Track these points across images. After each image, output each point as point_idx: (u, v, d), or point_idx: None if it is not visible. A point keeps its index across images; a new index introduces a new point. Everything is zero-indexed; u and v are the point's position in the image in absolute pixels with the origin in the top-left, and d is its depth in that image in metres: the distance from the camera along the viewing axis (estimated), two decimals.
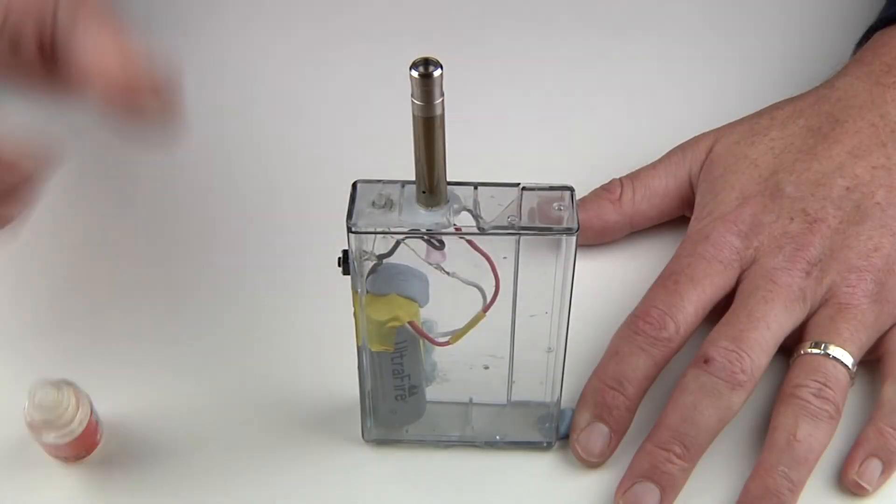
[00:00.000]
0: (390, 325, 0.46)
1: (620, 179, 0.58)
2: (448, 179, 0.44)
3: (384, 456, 0.51)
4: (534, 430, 0.51)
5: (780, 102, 0.59)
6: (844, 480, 0.50)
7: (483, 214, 0.44)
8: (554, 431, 0.51)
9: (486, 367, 0.50)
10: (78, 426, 0.48)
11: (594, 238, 0.58)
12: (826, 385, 0.50)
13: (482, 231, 0.44)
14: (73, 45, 0.45)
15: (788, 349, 0.52)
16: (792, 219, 0.53)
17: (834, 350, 0.51)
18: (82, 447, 0.49)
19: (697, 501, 0.49)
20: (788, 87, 0.61)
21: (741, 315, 0.51)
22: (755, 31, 0.69)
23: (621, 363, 0.51)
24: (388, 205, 0.44)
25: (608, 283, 0.57)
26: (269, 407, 0.52)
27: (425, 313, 0.47)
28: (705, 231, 0.54)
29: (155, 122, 0.43)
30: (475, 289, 0.46)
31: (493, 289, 0.46)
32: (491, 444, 0.51)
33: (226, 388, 0.53)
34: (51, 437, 0.48)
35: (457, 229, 0.44)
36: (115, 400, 0.52)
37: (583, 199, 0.58)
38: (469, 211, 0.44)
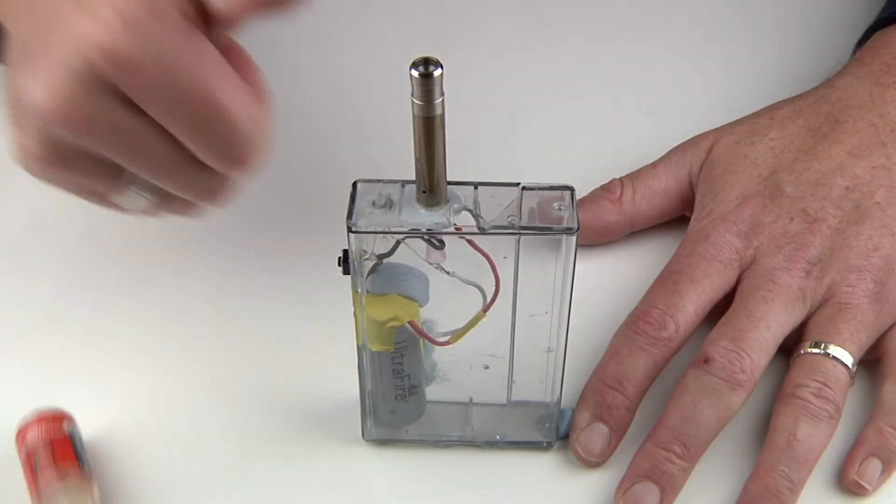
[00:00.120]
0: (390, 324, 0.46)
1: (620, 179, 0.58)
2: (448, 179, 0.44)
3: (384, 456, 0.51)
4: (534, 430, 0.51)
5: (779, 102, 0.59)
6: (844, 480, 0.50)
7: (483, 214, 0.44)
8: (554, 431, 0.51)
9: (486, 367, 0.50)
10: None
11: (594, 238, 0.58)
12: (826, 385, 0.50)
13: (482, 231, 0.44)
14: None
15: (788, 349, 0.52)
16: (792, 219, 0.53)
17: (834, 350, 0.51)
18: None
19: (697, 501, 0.49)
20: (788, 87, 0.61)
21: (741, 315, 0.51)
22: (755, 32, 0.69)
23: (621, 363, 0.51)
24: (388, 205, 0.44)
25: (608, 283, 0.57)
26: (268, 407, 0.52)
27: (425, 313, 0.47)
28: (705, 231, 0.54)
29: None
30: (475, 289, 0.46)
31: (493, 289, 0.46)
32: (491, 444, 0.51)
33: (226, 388, 0.53)
34: None
35: (457, 229, 0.44)
36: (114, 397, 0.52)
37: (583, 199, 0.58)
38: (469, 211, 0.44)
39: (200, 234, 0.59)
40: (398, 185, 0.44)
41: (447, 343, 0.47)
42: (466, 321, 0.47)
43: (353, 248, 0.45)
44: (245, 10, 0.44)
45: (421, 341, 0.48)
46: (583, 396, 0.51)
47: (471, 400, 0.51)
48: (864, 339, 0.51)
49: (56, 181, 0.48)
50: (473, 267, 0.45)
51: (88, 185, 0.48)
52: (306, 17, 0.70)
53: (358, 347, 0.48)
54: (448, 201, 0.44)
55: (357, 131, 0.62)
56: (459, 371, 0.50)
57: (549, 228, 0.44)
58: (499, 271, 0.45)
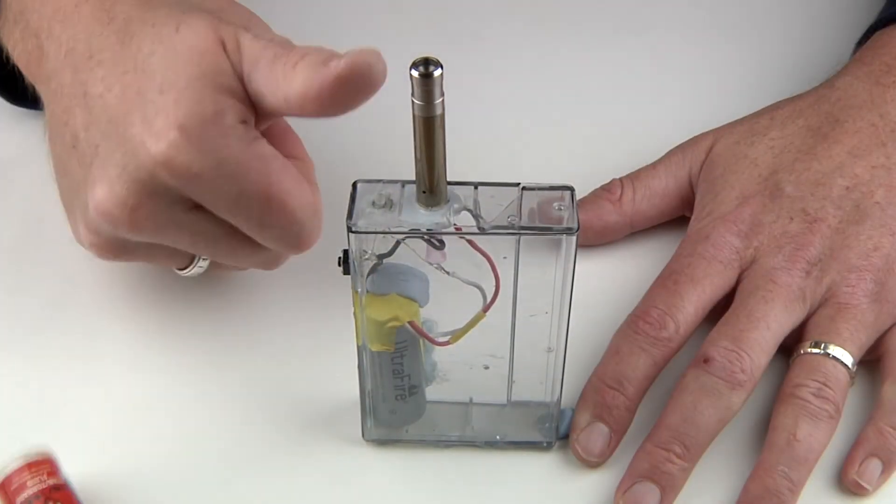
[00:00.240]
0: (390, 325, 0.46)
1: (620, 180, 0.58)
2: (448, 179, 0.44)
3: (384, 456, 0.51)
4: (534, 430, 0.51)
5: (779, 102, 0.59)
6: (844, 480, 0.50)
7: (483, 214, 0.44)
8: (554, 431, 0.51)
9: (486, 367, 0.50)
10: None
11: (594, 238, 0.58)
12: (826, 385, 0.50)
13: (482, 231, 0.44)
14: (260, 94, 0.45)
15: (788, 349, 0.52)
16: (792, 218, 0.54)
17: (834, 350, 0.51)
18: None
19: (697, 501, 0.49)
20: (788, 87, 0.61)
21: (741, 315, 0.51)
22: (755, 31, 0.69)
23: (621, 363, 0.51)
24: (389, 205, 0.44)
25: (608, 283, 0.57)
26: (269, 407, 0.52)
27: (425, 313, 0.47)
28: (705, 231, 0.54)
29: (376, 79, 0.43)
30: (475, 289, 0.46)
31: (493, 289, 0.46)
32: (491, 444, 0.51)
33: (226, 388, 0.53)
34: None
35: (457, 229, 0.44)
36: (113, 394, 0.52)
37: (583, 200, 0.58)
38: (469, 211, 0.44)
39: None
40: (398, 185, 0.44)
41: (447, 343, 0.47)
42: (466, 321, 0.47)
43: (353, 248, 0.45)
44: (304, 114, 0.45)
45: (421, 341, 0.48)
46: (583, 396, 0.51)
47: (471, 400, 0.51)
48: (864, 339, 0.51)
49: (118, 261, 0.50)
50: (473, 267, 0.45)
51: (149, 262, 0.52)
52: (306, 17, 0.70)
53: (358, 347, 0.48)
54: (448, 201, 0.44)
55: (357, 131, 0.62)
56: (459, 371, 0.50)
57: (549, 228, 0.44)
58: (499, 271, 0.45)
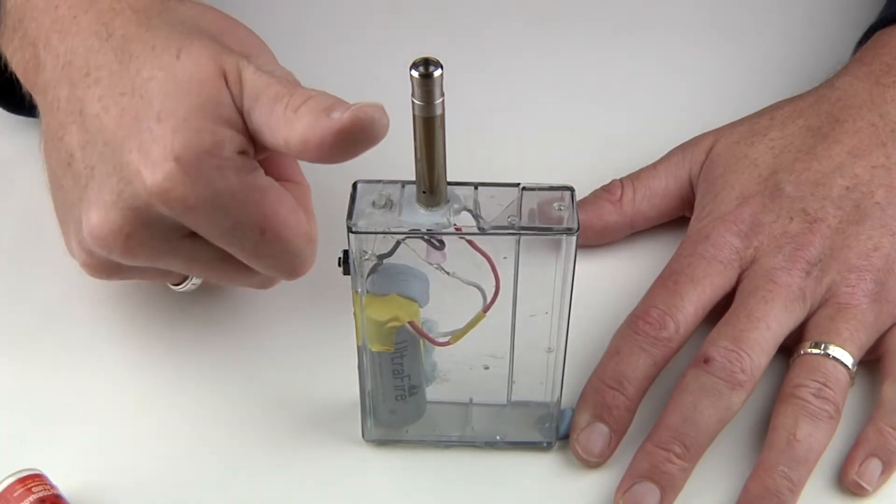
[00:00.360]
0: (390, 325, 0.46)
1: (621, 180, 0.58)
2: (448, 179, 0.44)
3: (384, 456, 0.51)
4: (534, 430, 0.51)
5: (780, 102, 0.59)
6: (844, 480, 0.50)
7: (483, 214, 0.44)
8: (554, 431, 0.51)
9: (486, 368, 0.50)
10: None
11: (594, 239, 0.58)
12: (826, 385, 0.50)
13: (482, 231, 0.44)
14: (259, 131, 0.45)
15: (788, 349, 0.52)
16: (792, 218, 0.53)
17: (834, 350, 0.51)
18: None
19: (697, 501, 0.49)
20: (788, 87, 0.61)
21: (741, 315, 0.51)
22: (755, 31, 0.69)
23: (621, 363, 0.51)
24: (389, 205, 0.44)
25: (608, 283, 0.57)
26: (269, 407, 0.52)
27: (425, 313, 0.47)
28: (705, 231, 0.54)
29: (378, 131, 0.43)
30: (475, 289, 0.46)
31: (494, 289, 0.46)
32: (491, 444, 0.51)
33: (226, 389, 0.53)
34: None
35: (457, 229, 0.44)
36: (113, 394, 0.52)
37: (583, 200, 0.58)
38: (469, 211, 0.44)
39: None
40: (398, 185, 0.44)
41: (447, 343, 0.47)
42: (466, 321, 0.47)
43: (354, 248, 0.45)
44: (301, 158, 0.45)
45: (421, 341, 0.48)
46: (583, 396, 0.51)
47: (471, 400, 0.51)
48: (864, 339, 0.51)
49: (111, 280, 0.50)
50: (473, 267, 0.45)
51: (143, 280, 0.52)
52: (306, 18, 0.70)
53: (358, 347, 0.48)
54: (448, 201, 0.44)
55: None
56: (459, 371, 0.50)
57: (549, 229, 0.44)
58: (499, 271, 0.45)
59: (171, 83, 0.44)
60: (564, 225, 0.44)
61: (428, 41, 0.67)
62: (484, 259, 0.45)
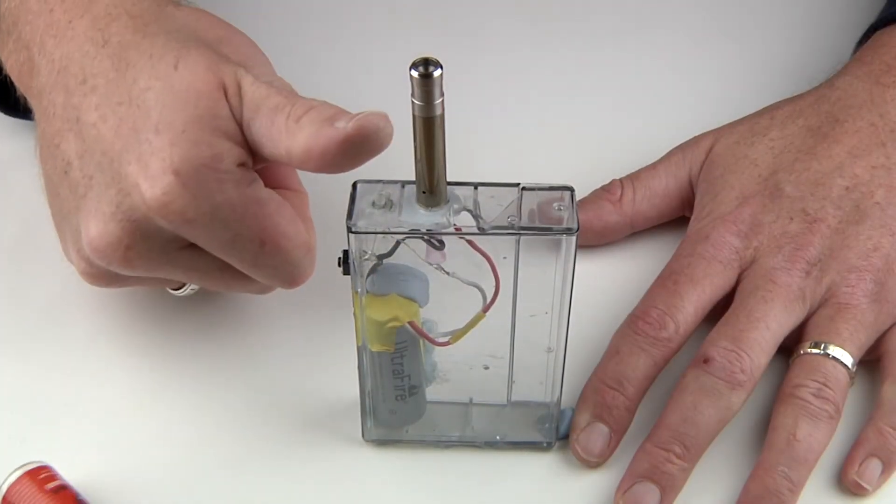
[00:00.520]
0: (390, 325, 0.46)
1: (621, 180, 0.58)
2: (448, 179, 0.44)
3: (384, 456, 0.51)
4: (534, 430, 0.51)
5: (779, 102, 0.59)
6: (844, 480, 0.50)
7: (483, 214, 0.44)
8: (554, 431, 0.51)
9: (486, 368, 0.50)
10: None
11: (594, 239, 0.58)
12: (826, 385, 0.50)
13: (482, 231, 0.44)
14: (259, 143, 0.45)
15: (788, 349, 0.52)
16: (791, 219, 0.53)
17: (834, 350, 0.51)
18: None
19: (697, 501, 0.49)
20: (788, 87, 0.61)
21: (741, 315, 0.51)
22: (755, 32, 0.69)
23: (621, 363, 0.51)
24: (388, 205, 0.44)
25: (608, 283, 0.57)
26: (269, 407, 0.52)
27: (425, 313, 0.47)
28: (705, 231, 0.54)
29: (383, 139, 0.43)
30: (475, 289, 0.46)
31: (493, 289, 0.46)
32: (491, 444, 0.51)
33: (226, 389, 0.53)
34: None
35: (457, 229, 0.44)
36: (113, 395, 0.52)
37: (583, 200, 0.58)
38: (469, 211, 0.44)
39: None
40: (398, 185, 0.44)
41: (447, 343, 0.47)
42: (466, 321, 0.47)
43: (353, 248, 0.45)
44: (303, 168, 0.45)
45: (421, 342, 0.48)
46: (583, 396, 0.51)
47: (471, 400, 0.51)
48: (864, 339, 0.51)
49: (110, 288, 0.50)
50: (473, 267, 0.45)
51: (141, 287, 0.52)
52: (306, 18, 0.70)
53: (358, 348, 0.48)
54: (448, 201, 0.44)
55: None
56: (459, 371, 0.50)
57: (549, 229, 0.44)
58: (499, 271, 0.45)
59: (169, 94, 0.44)
60: (564, 225, 0.44)
61: (428, 41, 0.67)
62: (484, 259, 0.45)
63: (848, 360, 0.51)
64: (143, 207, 0.44)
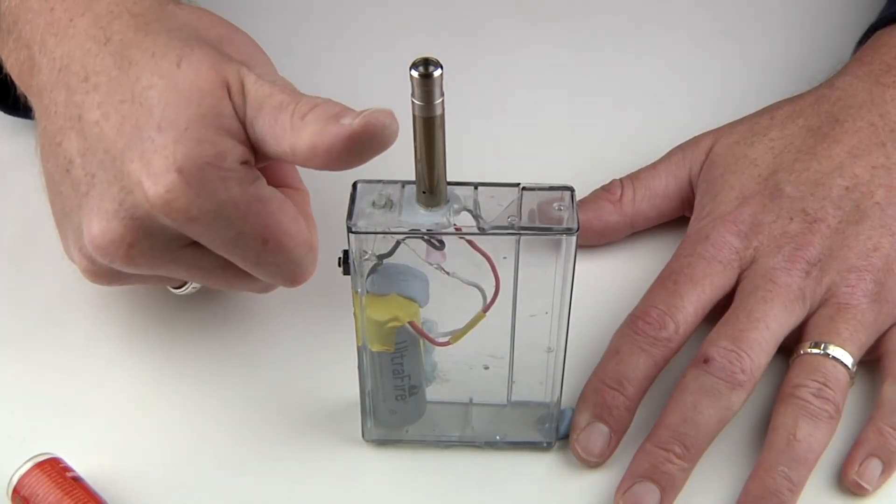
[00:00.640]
0: (390, 325, 0.46)
1: (621, 180, 0.58)
2: (448, 179, 0.44)
3: (384, 456, 0.51)
4: (534, 430, 0.51)
5: (779, 102, 0.59)
6: (844, 480, 0.50)
7: (483, 214, 0.44)
8: (554, 431, 0.51)
9: (486, 368, 0.50)
10: None
11: (594, 239, 0.58)
12: (826, 385, 0.50)
13: (482, 231, 0.44)
14: (262, 140, 0.45)
15: (788, 349, 0.52)
16: (791, 219, 0.53)
17: (834, 350, 0.51)
18: None
19: (697, 501, 0.49)
20: (788, 87, 0.61)
21: (741, 315, 0.51)
22: (755, 32, 0.69)
23: (621, 363, 0.51)
24: (389, 205, 0.44)
25: (608, 283, 0.57)
26: (269, 407, 0.52)
27: (425, 313, 0.47)
28: (705, 231, 0.54)
29: (388, 137, 0.43)
30: (475, 289, 0.46)
31: (493, 289, 0.46)
32: (491, 444, 0.51)
33: (226, 389, 0.53)
34: None
35: (457, 229, 0.44)
36: (113, 395, 0.52)
37: (583, 200, 0.58)
38: (469, 211, 0.44)
39: None
40: (398, 185, 0.44)
41: (447, 343, 0.47)
42: (466, 321, 0.47)
43: (354, 248, 0.45)
44: (308, 165, 0.45)
45: (421, 342, 0.48)
46: (583, 396, 0.51)
47: (471, 400, 0.51)
48: (864, 339, 0.51)
49: (112, 286, 0.50)
50: (473, 267, 0.45)
51: (143, 285, 0.52)
52: (306, 18, 0.70)
53: (358, 348, 0.48)
54: (448, 201, 0.44)
55: None
56: (459, 371, 0.50)
57: (549, 229, 0.44)
58: (499, 271, 0.45)
59: (172, 92, 0.44)
60: (564, 225, 0.44)
61: (428, 41, 0.67)
62: (484, 259, 0.45)
63: (848, 360, 0.51)
64: (146, 205, 0.44)
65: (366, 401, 0.50)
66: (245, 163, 0.44)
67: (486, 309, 0.46)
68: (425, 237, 0.44)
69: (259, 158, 0.46)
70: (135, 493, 0.50)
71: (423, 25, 0.69)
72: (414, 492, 0.50)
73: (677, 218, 0.58)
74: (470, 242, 0.45)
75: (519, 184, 0.45)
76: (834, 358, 0.50)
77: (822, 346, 0.51)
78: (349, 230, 0.44)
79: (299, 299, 0.55)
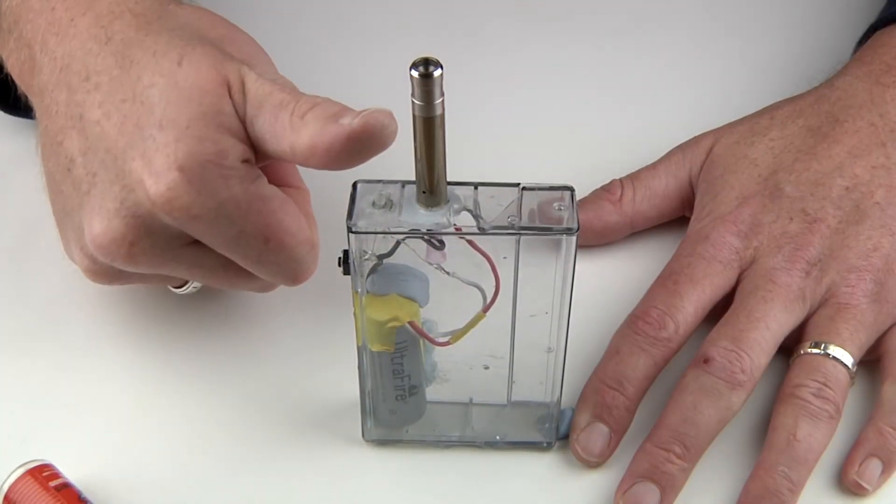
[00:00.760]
0: (390, 325, 0.46)
1: (621, 180, 0.58)
2: (448, 179, 0.44)
3: (384, 456, 0.51)
4: (534, 430, 0.51)
5: (779, 102, 0.59)
6: (844, 480, 0.50)
7: (483, 214, 0.44)
8: (554, 431, 0.51)
9: (486, 368, 0.50)
10: None
11: (594, 239, 0.58)
12: (826, 385, 0.50)
13: (482, 231, 0.44)
14: (262, 139, 0.45)
15: (788, 349, 0.52)
16: (791, 219, 0.53)
17: (834, 350, 0.51)
18: None
19: (697, 501, 0.49)
20: (788, 87, 0.61)
21: (741, 315, 0.51)
22: (755, 31, 0.69)
23: (621, 363, 0.51)
24: (389, 205, 0.44)
25: (608, 283, 0.57)
26: (269, 407, 0.52)
27: (425, 313, 0.47)
28: (705, 231, 0.54)
29: (388, 137, 0.43)
30: (475, 289, 0.46)
31: (493, 289, 0.46)
32: (491, 444, 0.51)
33: (226, 389, 0.53)
34: None
35: (457, 229, 0.44)
36: (113, 395, 0.52)
37: (583, 200, 0.58)
38: (469, 211, 0.44)
39: None
40: (398, 185, 0.44)
41: (447, 343, 0.47)
42: (466, 321, 0.47)
43: (354, 248, 0.45)
44: (307, 165, 0.45)
45: (421, 341, 0.48)
46: (583, 396, 0.51)
47: (471, 400, 0.51)
48: (864, 339, 0.51)
49: (113, 285, 0.50)
50: (473, 267, 0.45)
51: (144, 284, 0.52)
52: (306, 18, 0.70)
53: (358, 348, 0.48)
54: (448, 201, 0.44)
55: None
56: (459, 371, 0.50)
57: (549, 229, 0.44)
58: (499, 271, 0.45)
59: (173, 91, 0.44)
60: (564, 225, 0.44)
61: (428, 41, 0.67)
62: (484, 259, 0.45)
63: (848, 360, 0.51)
64: (148, 203, 0.44)
65: (366, 401, 0.50)
66: (246, 161, 0.44)
67: (486, 309, 0.46)
68: (425, 237, 0.44)
69: (259, 157, 0.46)
70: (135, 492, 0.50)
71: (423, 25, 0.69)
72: (414, 492, 0.50)
73: (677, 218, 0.58)
74: (470, 242, 0.45)
75: (519, 184, 0.45)
76: (834, 358, 0.50)
77: (823, 346, 0.51)
78: (349, 230, 0.44)
79: (299, 299, 0.55)
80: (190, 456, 0.51)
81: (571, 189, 0.45)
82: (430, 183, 0.43)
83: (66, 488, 0.47)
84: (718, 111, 0.60)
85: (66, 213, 0.48)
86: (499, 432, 0.51)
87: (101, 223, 0.45)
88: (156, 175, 0.43)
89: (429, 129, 0.41)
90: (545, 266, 0.45)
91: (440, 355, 0.49)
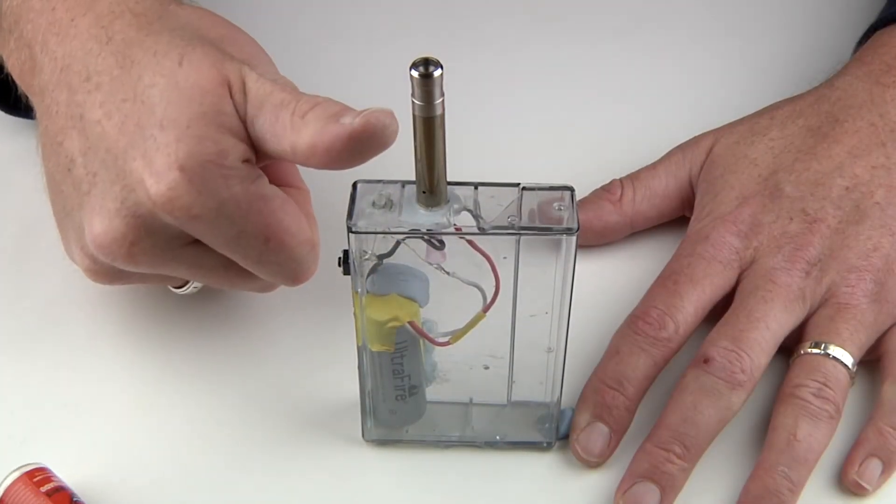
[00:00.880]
0: (390, 325, 0.46)
1: (621, 180, 0.58)
2: (448, 179, 0.44)
3: (384, 456, 0.51)
4: (534, 430, 0.51)
5: (779, 102, 0.59)
6: (844, 480, 0.50)
7: (483, 214, 0.44)
8: (554, 431, 0.51)
9: (486, 368, 0.50)
10: None
11: (594, 239, 0.58)
12: (826, 385, 0.50)
13: (482, 231, 0.44)
14: (263, 139, 0.45)
15: (788, 349, 0.52)
16: (791, 219, 0.53)
17: (834, 350, 0.51)
18: None
19: (697, 501, 0.49)
20: (788, 87, 0.61)
21: (741, 315, 0.51)
22: (755, 31, 0.69)
23: (621, 363, 0.51)
24: (389, 205, 0.44)
25: (608, 283, 0.57)
26: (269, 407, 0.52)
27: (425, 313, 0.47)
28: (705, 231, 0.54)
29: (388, 137, 0.43)
30: (475, 289, 0.46)
31: (493, 289, 0.46)
32: (491, 444, 0.51)
33: (226, 389, 0.53)
34: None
35: (457, 229, 0.44)
36: (113, 395, 0.52)
37: (583, 200, 0.58)
38: (469, 211, 0.44)
39: None
40: (398, 185, 0.44)
41: (447, 343, 0.47)
42: (466, 321, 0.47)
43: (354, 248, 0.45)
44: (307, 164, 0.45)
45: (421, 341, 0.48)
46: (583, 396, 0.51)
47: (471, 400, 0.51)
48: (864, 339, 0.51)
49: (113, 285, 0.50)
50: (473, 267, 0.45)
51: (144, 284, 0.52)
52: (306, 18, 0.70)
53: (358, 348, 0.48)
54: (448, 201, 0.44)
55: None
56: (459, 371, 0.50)
57: (549, 229, 0.44)
58: (499, 271, 0.45)
59: (174, 91, 0.44)
60: (564, 225, 0.44)
61: (428, 41, 0.67)
62: (484, 259, 0.45)
63: (848, 360, 0.51)
64: (149, 203, 0.44)
65: (366, 401, 0.50)
66: (246, 161, 0.44)
67: (486, 309, 0.46)
68: (425, 237, 0.44)
69: (260, 157, 0.46)
70: (135, 491, 0.50)
71: (423, 25, 0.69)
72: (414, 492, 0.50)
73: (677, 218, 0.58)
74: (470, 242, 0.45)
75: (519, 184, 0.45)
76: (834, 358, 0.50)
77: (823, 346, 0.51)
78: (349, 230, 0.44)
79: (299, 299, 0.55)
80: (190, 456, 0.51)
81: (571, 189, 0.45)
82: (430, 183, 0.43)
83: (57, 492, 0.47)
84: (718, 111, 0.60)
85: (66, 213, 0.48)
86: (499, 432, 0.51)
87: (101, 223, 0.45)
88: (156, 175, 0.43)
89: (429, 129, 0.41)
90: (545, 266, 0.45)
91: (440, 355, 0.49)
